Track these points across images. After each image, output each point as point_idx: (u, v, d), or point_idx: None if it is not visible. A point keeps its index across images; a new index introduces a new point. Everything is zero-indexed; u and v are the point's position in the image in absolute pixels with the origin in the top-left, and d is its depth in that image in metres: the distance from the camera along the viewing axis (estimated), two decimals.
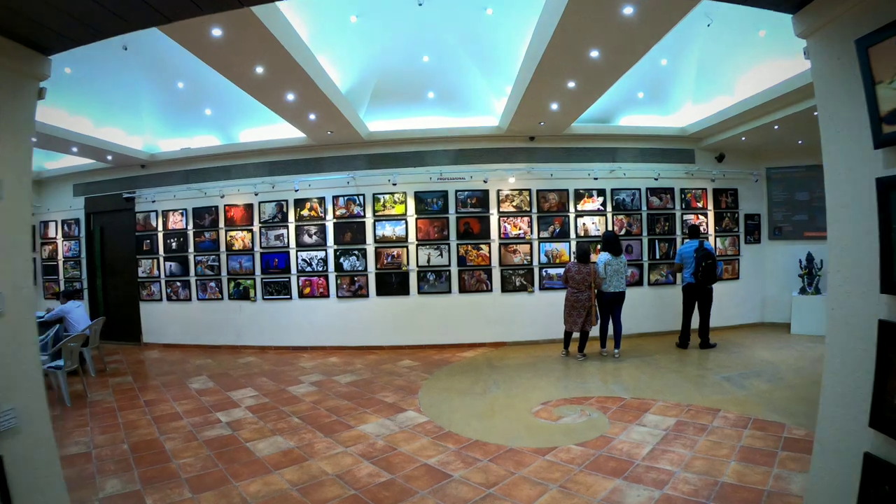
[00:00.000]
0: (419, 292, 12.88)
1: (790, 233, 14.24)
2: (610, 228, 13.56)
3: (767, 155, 14.26)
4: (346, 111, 10.92)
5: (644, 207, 13.47)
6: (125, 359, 13.09)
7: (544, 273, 13.08)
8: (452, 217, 12.98)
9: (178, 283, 14.31)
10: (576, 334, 11.31)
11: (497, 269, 13.04)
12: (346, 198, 13.13)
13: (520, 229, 13.14)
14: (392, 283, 13.10)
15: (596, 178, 12.73)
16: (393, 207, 12.98)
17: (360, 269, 12.98)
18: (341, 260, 13.07)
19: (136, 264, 14.83)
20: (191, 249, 14.12)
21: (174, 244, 14.37)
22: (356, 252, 13.14)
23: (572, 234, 13.13)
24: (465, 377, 9.28)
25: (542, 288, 13.05)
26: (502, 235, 13.00)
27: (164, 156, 14.39)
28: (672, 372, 8.72)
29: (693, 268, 10.42)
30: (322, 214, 13.16)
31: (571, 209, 13.15)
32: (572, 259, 12.69)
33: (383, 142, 13.19)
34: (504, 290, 13.00)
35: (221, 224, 13.94)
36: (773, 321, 14.04)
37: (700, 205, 13.84)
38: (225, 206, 13.88)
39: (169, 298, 14.43)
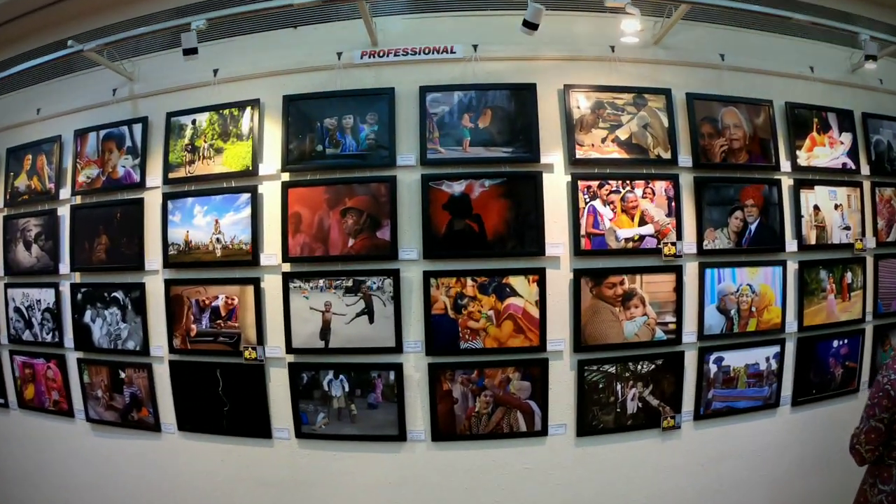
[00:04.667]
0: (301, 433, 1.91)
1: None
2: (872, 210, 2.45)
3: None
4: None
5: None
6: None
7: (712, 367, 1.93)
8: (410, 180, 2.55)
9: None
10: None
11: (565, 359, 2.28)
12: (103, 133, 2.15)
13: (642, 221, 1.88)
14: (220, 397, 1.94)
15: (876, 57, 1.68)
16: (215, 155, 1.97)
17: (130, 346, 2.05)
18: (87, 314, 2.16)
19: None
20: None
21: None
22: (120, 293, 2.13)
23: (789, 241, 2.01)
24: None
25: (703, 413, 1.95)
26: (586, 243, 2.23)
27: None
28: None
29: None
30: (51, 186, 2.24)
31: (783, 159, 2.03)
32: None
33: None
34: (586, 427, 2.25)
35: None
36: None
37: None
38: None
39: None
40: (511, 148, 2.41)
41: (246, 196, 2.54)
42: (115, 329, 2.92)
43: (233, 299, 2.58)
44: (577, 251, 2.43)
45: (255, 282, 2.53)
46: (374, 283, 2.37)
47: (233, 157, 2.60)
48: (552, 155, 2.47)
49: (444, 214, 2.36)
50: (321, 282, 2.40)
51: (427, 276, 2.37)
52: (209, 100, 2.74)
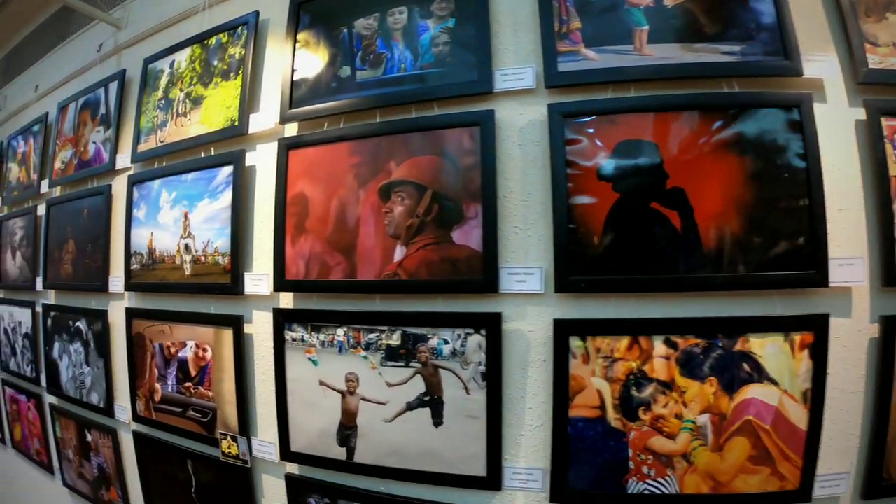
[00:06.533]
0: None
1: None
2: None
3: None
4: None
5: None
6: None
7: None
8: (524, 121, 1.03)
9: None
10: None
11: None
12: (81, 102, 0.82)
13: None
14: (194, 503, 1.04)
15: None
16: (192, 110, 0.57)
17: (94, 399, 0.68)
18: (56, 347, 0.84)
19: None
20: None
21: None
22: (83, 322, 0.76)
23: None
24: None
25: None
26: None
27: None
28: None
29: None
30: (35, 176, 1.00)
31: None
32: None
33: None
34: None
35: None
36: None
37: None
38: None
39: None
40: (738, 46, 0.88)
41: (227, 171, 1.21)
42: (79, 373, 1.73)
43: (205, 350, 1.25)
44: (892, 276, 0.82)
45: (236, 323, 1.17)
46: (447, 341, 0.92)
47: (214, 109, 1.29)
48: (818, 61, 0.89)
49: (601, 191, 0.87)
50: (341, 332, 0.99)
51: (563, 330, 0.88)
52: (198, 31, 1.46)
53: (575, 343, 0.93)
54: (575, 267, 0.92)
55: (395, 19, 1.09)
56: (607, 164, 0.94)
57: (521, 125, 0.98)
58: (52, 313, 1.92)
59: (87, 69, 2.01)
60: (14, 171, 2.34)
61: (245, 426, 1.22)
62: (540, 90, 0.98)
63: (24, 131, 2.30)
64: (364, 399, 1.02)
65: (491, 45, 1.01)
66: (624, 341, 0.93)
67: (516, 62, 1.01)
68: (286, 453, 1.14)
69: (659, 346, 0.92)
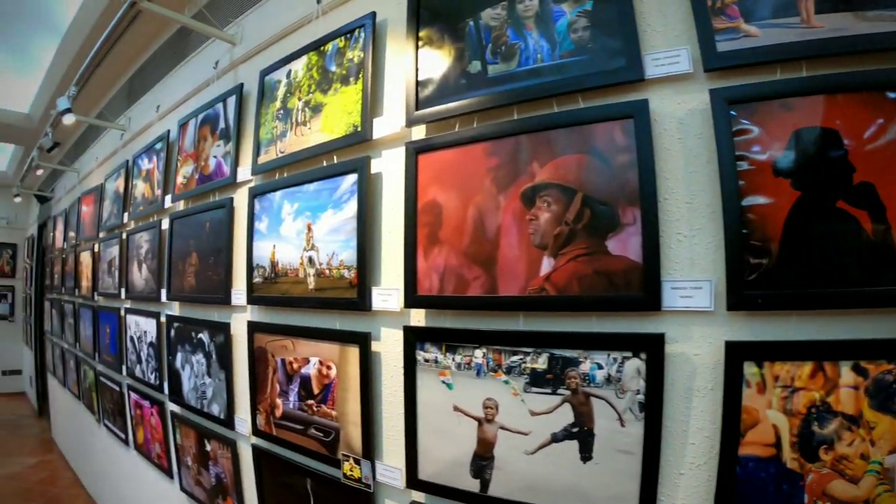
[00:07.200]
0: None
1: None
2: None
3: None
4: None
5: None
6: None
7: None
8: (681, 112, 0.98)
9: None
10: None
11: None
12: (200, 117, 1.25)
13: None
14: None
15: None
16: (312, 118, 0.98)
17: (214, 410, 1.03)
18: (178, 357, 1.30)
19: None
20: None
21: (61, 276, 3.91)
22: (205, 334, 1.14)
23: None
24: None
25: None
26: None
27: None
28: None
29: None
30: (158, 192, 1.50)
31: None
32: None
33: None
34: None
35: (72, 232, 3.06)
36: None
37: None
38: (81, 195, 2.93)
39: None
40: None
41: (351, 179, 1.32)
42: (200, 384, 1.99)
43: (329, 367, 1.36)
44: None
45: (363, 341, 1.26)
46: (601, 366, 0.90)
47: (335, 116, 1.41)
48: None
49: (778, 189, 0.80)
50: (479, 354, 1.02)
51: (737, 354, 0.83)
52: (313, 39, 1.63)
53: (750, 369, 0.86)
54: (749, 280, 0.86)
55: (526, 6, 1.11)
56: (784, 156, 0.86)
57: (680, 115, 0.94)
58: (176, 324, 2.22)
59: (205, 86, 2.31)
60: (140, 187, 2.76)
61: (369, 449, 1.30)
62: (698, 74, 0.93)
63: (147, 150, 2.69)
64: (503, 428, 1.03)
65: (638, 27, 0.99)
66: (806, 368, 0.84)
67: (667, 44, 0.97)
68: (413, 481, 1.19)
69: (846, 374, 0.82)
